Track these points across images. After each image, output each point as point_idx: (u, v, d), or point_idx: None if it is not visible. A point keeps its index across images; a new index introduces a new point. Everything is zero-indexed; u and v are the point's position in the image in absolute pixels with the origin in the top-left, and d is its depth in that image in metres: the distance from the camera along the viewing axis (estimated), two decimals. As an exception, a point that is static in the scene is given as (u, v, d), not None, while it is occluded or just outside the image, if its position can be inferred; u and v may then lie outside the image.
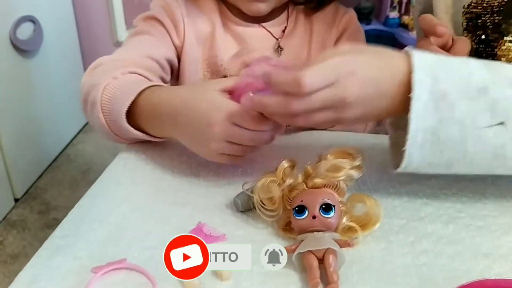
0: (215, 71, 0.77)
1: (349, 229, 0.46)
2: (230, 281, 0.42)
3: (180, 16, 0.75)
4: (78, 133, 2.12)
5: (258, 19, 0.77)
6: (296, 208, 0.45)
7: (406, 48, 0.48)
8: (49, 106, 1.88)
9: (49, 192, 1.78)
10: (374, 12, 1.83)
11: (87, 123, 2.19)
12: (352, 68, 0.46)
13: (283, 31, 0.78)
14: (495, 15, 0.62)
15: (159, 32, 0.74)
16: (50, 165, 1.90)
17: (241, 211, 0.51)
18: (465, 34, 0.65)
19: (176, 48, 0.76)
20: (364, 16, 1.81)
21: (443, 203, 0.54)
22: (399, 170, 0.48)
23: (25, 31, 1.69)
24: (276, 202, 0.48)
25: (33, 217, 1.65)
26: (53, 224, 1.60)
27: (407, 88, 0.45)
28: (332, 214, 0.45)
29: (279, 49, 0.78)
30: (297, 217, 0.45)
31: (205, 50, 0.76)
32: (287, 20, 0.79)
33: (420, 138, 0.46)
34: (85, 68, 2.23)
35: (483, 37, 0.63)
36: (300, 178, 0.48)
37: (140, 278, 0.42)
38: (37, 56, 1.79)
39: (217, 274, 0.42)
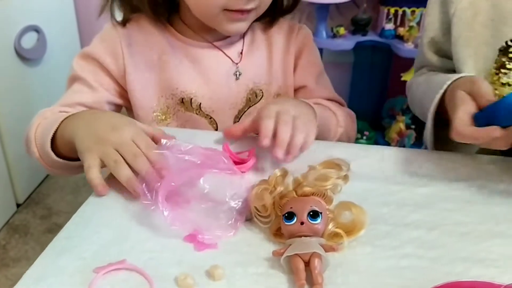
0: (171, 95, 0.78)
1: (335, 235, 0.49)
2: (223, 281, 0.45)
3: (119, 47, 0.76)
4: (80, 139, 2.15)
5: (217, 37, 0.78)
6: (286, 215, 0.48)
7: None
8: (52, 113, 1.91)
9: (51, 198, 1.81)
10: (370, 23, 1.86)
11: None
12: None
13: (241, 53, 0.80)
14: None
15: (92, 75, 0.76)
16: (51, 171, 1.93)
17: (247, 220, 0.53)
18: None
19: (116, 78, 0.77)
20: (360, 27, 1.85)
21: (430, 211, 0.56)
22: None
23: (29, 40, 1.73)
24: (268, 209, 0.51)
25: (35, 221, 1.68)
26: (54, 228, 1.63)
27: None
28: (319, 220, 0.48)
29: (237, 73, 0.80)
30: (286, 223, 0.48)
31: (157, 74, 0.77)
32: (243, 38, 0.81)
33: None
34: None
35: None
36: (290, 186, 0.51)
37: (139, 278, 0.45)
38: (40, 65, 1.82)
39: (210, 274, 0.45)
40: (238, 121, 0.82)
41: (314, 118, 0.66)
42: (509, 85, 0.67)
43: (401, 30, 1.80)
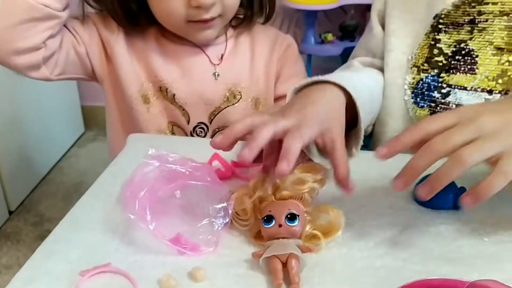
0: (152, 81, 0.81)
1: (313, 236, 0.51)
2: (205, 282, 0.47)
3: (116, 28, 0.79)
4: (72, 146, 2.16)
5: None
6: (265, 218, 0.51)
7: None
8: (43, 120, 1.93)
9: (43, 205, 1.81)
10: (358, 29, 1.89)
11: (80, 137, 2.23)
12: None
13: (221, 57, 0.83)
14: (474, 24, 0.67)
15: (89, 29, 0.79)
16: (44, 178, 1.94)
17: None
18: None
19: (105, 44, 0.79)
20: (348, 33, 1.88)
21: (403, 212, 0.59)
22: None
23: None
24: (248, 213, 0.53)
25: (27, 228, 1.69)
26: (46, 235, 1.61)
27: None
28: (296, 223, 0.50)
29: (216, 73, 0.83)
30: (265, 226, 0.50)
31: (141, 58, 0.80)
32: (226, 42, 0.84)
33: None
34: (78, 82, 2.27)
35: (462, 45, 0.68)
36: (269, 191, 0.53)
37: (123, 280, 0.47)
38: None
39: (192, 276, 0.47)
40: (214, 118, 0.84)
41: None
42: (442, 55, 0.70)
43: (388, 36, 1.83)
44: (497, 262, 0.51)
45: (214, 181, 0.55)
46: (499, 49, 0.66)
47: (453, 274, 0.49)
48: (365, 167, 0.67)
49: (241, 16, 0.85)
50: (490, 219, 0.57)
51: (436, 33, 0.71)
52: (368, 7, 1.92)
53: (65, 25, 0.76)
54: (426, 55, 0.72)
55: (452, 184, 0.59)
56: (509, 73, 0.66)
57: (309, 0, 1.81)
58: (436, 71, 0.71)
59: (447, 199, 0.59)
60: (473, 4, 0.68)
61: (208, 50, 0.83)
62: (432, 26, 0.71)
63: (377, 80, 0.76)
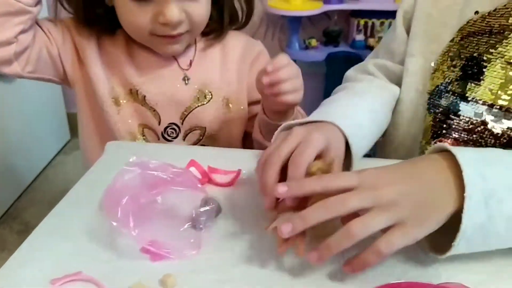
0: (122, 83, 0.81)
1: None
2: (175, 288, 0.48)
3: (89, 33, 0.80)
4: (57, 154, 2.16)
5: None
6: None
7: (438, 146, 0.49)
8: (28, 127, 1.92)
9: (29, 212, 1.81)
10: (342, 35, 1.92)
11: (66, 144, 2.23)
12: (369, 171, 0.48)
13: (190, 63, 0.83)
14: (493, 36, 0.68)
15: (62, 33, 0.79)
16: (29, 185, 1.93)
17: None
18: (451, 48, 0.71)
19: (77, 45, 0.80)
20: (332, 39, 1.90)
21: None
22: (442, 257, 0.49)
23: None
24: None
25: (12, 236, 1.68)
26: (31, 244, 1.62)
27: (457, 186, 0.46)
28: None
29: (186, 78, 0.83)
30: None
31: (109, 61, 0.81)
32: (195, 48, 0.84)
33: (469, 233, 0.46)
34: (63, 90, 2.27)
35: (475, 54, 0.69)
36: None
37: (94, 289, 0.47)
38: (16, 79, 1.83)
39: (163, 283, 0.47)
40: (185, 118, 0.84)
41: None
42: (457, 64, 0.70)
43: (371, 41, 1.86)
44: (466, 264, 0.51)
45: (195, 186, 0.56)
46: (509, 63, 0.66)
47: (421, 277, 0.49)
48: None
49: (211, 27, 0.86)
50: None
51: (459, 41, 0.71)
52: (351, 13, 1.95)
53: (39, 25, 0.77)
54: (447, 62, 0.72)
55: None
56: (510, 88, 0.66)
57: (293, 6, 1.83)
58: (450, 79, 0.71)
59: None
60: (497, 16, 0.68)
61: (178, 56, 0.83)
62: (457, 33, 0.71)
63: (382, 100, 0.75)
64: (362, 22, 1.88)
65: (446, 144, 0.49)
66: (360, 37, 1.88)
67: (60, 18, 0.80)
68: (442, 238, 0.49)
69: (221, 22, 0.84)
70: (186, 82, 0.83)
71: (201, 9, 0.77)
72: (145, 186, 0.52)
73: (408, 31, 0.78)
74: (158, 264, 0.51)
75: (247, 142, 0.92)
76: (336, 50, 1.90)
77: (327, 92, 2.15)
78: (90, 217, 0.57)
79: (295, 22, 1.90)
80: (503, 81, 0.66)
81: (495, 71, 0.67)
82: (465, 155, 0.47)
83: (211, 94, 0.85)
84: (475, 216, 0.46)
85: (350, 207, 0.46)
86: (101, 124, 0.84)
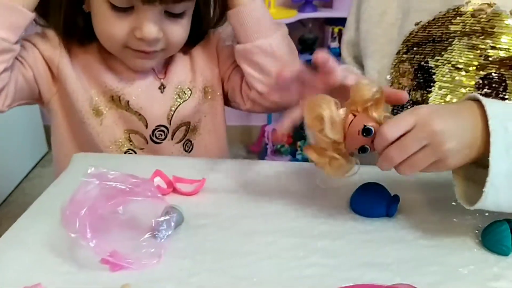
0: (102, 92, 0.80)
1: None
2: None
3: (58, 45, 0.78)
4: (35, 167, 2.13)
5: None
6: (363, 133, 0.53)
7: (473, 95, 0.54)
8: (5, 140, 1.90)
9: (5, 227, 1.77)
10: (317, 42, 1.94)
11: (43, 157, 2.21)
12: (426, 110, 0.52)
13: (165, 72, 0.83)
14: (437, 44, 0.71)
15: (31, 49, 0.77)
16: (5, 199, 1.91)
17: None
18: (400, 59, 0.74)
19: (49, 64, 0.78)
20: (308, 46, 1.93)
21: (338, 221, 0.61)
22: (474, 207, 0.53)
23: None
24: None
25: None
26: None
27: (483, 133, 0.51)
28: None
29: (162, 86, 0.83)
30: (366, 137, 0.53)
31: (87, 69, 0.80)
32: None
33: (496, 181, 0.50)
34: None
35: (422, 63, 0.72)
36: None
37: (52, 300, 0.47)
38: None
39: (122, 291, 0.48)
40: (171, 118, 0.84)
41: None
42: (408, 73, 0.74)
43: (345, 48, 1.89)
44: (421, 267, 0.53)
45: (155, 196, 0.56)
46: (456, 68, 0.70)
47: (377, 279, 0.51)
48: (304, 177, 0.70)
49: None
50: (421, 225, 0.60)
51: (404, 53, 0.75)
52: (325, 21, 1.98)
53: None
54: (399, 74, 0.76)
55: (385, 193, 0.62)
56: (460, 91, 0.69)
57: (268, 15, 1.84)
58: (408, 89, 0.75)
59: (380, 207, 0.61)
60: (437, 24, 0.72)
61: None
62: (401, 45, 0.75)
63: None
64: (336, 29, 1.91)
65: (479, 95, 0.53)
66: (335, 44, 1.90)
67: (24, 36, 0.77)
68: (471, 190, 0.54)
69: (197, 39, 0.85)
70: (162, 90, 0.83)
71: (180, 31, 0.77)
72: (103, 197, 0.53)
73: (356, 58, 0.84)
74: (118, 274, 0.51)
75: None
76: (311, 58, 1.92)
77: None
78: (51, 230, 0.57)
79: (270, 31, 1.92)
80: (452, 85, 0.70)
81: (443, 76, 0.70)
82: (492, 107, 0.52)
83: (190, 90, 0.85)
84: (500, 162, 0.50)
85: (408, 153, 0.51)
86: (80, 138, 0.83)
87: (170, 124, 0.84)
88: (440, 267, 0.52)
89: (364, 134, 0.53)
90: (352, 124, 0.53)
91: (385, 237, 0.58)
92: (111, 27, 0.73)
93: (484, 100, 0.52)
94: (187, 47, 0.85)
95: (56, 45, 0.78)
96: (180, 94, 0.85)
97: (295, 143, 2.06)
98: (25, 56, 0.76)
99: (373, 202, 0.62)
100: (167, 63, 0.85)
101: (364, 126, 0.52)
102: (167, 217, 0.54)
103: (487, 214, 0.60)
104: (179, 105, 0.84)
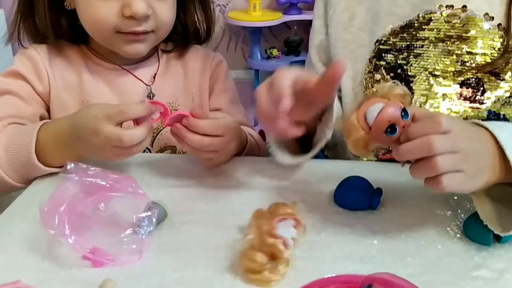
0: (82, 108, 0.77)
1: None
2: (116, 294, 0.47)
3: (43, 66, 0.77)
4: None
5: (127, 61, 0.81)
6: (388, 129, 0.49)
7: (478, 122, 0.54)
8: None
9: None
10: (302, 44, 1.95)
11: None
12: (453, 125, 0.49)
13: (154, 77, 0.83)
14: (410, 50, 0.70)
15: (23, 88, 0.76)
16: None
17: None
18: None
19: (42, 97, 0.78)
20: (293, 48, 1.93)
21: (322, 215, 0.61)
22: (508, 234, 0.52)
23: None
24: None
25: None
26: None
27: (500, 159, 0.51)
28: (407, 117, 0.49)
29: (151, 94, 0.82)
30: (391, 136, 0.49)
31: (75, 97, 0.79)
32: (158, 62, 0.84)
33: None
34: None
35: (398, 71, 0.70)
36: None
37: (32, 297, 0.46)
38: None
39: (102, 288, 0.47)
40: (154, 140, 0.83)
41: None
42: (383, 80, 0.72)
43: (330, 50, 1.89)
44: (403, 258, 0.53)
45: (137, 192, 0.56)
46: (433, 75, 0.69)
47: (361, 271, 0.50)
48: (288, 172, 0.70)
49: (175, 41, 0.86)
50: (403, 217, 0.60)
51: (377, 59, 0.72)
52: (310, 23, 1.99)
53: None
54: (372, 81, 0.73)
55: (368, 186, 0.62)
56: (438, 98, 0.68)
57: (253, 17, 1.85)
58: None
59: (363, 200, 0.61)
60: (410, 30, 0.70)
61: (138, 72, 0.82)
62: (374, 51, 0.73)
63: None
64: (321, 31, 1.92)
65: (486, 122, 0.53)
66: (320, 46, 1.91)
67: (4, 90, 0.76)
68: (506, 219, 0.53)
69: (185, 36, 0.85)
70: (151, 98, 0.82)
71: (168, 9, 0.77)
72: (83, 193, 0.52)
73: (327, 65, 0.79)
74: (99, 271, 0.50)
75: None
76: (297, 59, 1.93)
77: (290, 101, 2.17)
78: (30, 228, 0.57)
79: (256, 33, 1.93)
80: (430, 93, 0.69)
81: (421, 84, 0.69)
82: (503, 135, 0.51)
83: None
84: None
85: (434, 153, 0.47)
86: None
87: (152, 146, 0.83)
88: (423, 259, 0.53)
89: (389, 130, 0.49)
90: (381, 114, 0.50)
91: (369, 230, 0.58)
92: (99, 10, 0.72)
93: (492, 128, 0.52)
94: (180, 49, 0.85)
95: (43, 70, 0.77)
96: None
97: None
98: (24, 113, 0.76)
99: (356, 195, 0.62)
100: (157, 69, 0.84)
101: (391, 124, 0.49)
102: (149, 213, 0.53)
103: (468, 206, 0.60)
104: (164, 128, 0.82)
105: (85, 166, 0.53)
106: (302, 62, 1.93)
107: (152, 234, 0.54)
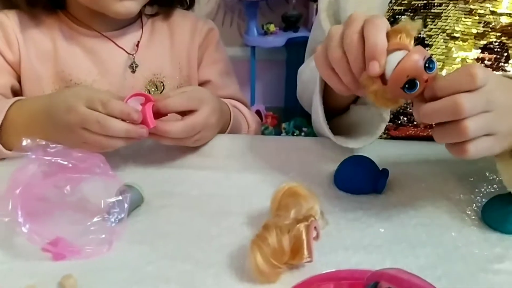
0: (66, 87, 0.73)
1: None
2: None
3: (13, 33, 0.71)
4: None
5: (108, 28, 0.74)
6: (406, 85, 0.41)
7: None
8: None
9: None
10: (301, 20, 1.87)
11: None
12: (488, 77, 0.42)
13: (137, 44, 0.76)
14: (428, 10, 0.63)
15: None
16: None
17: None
18: None
19: (12, 66, 0.72)
20: (291, 23, 1.85)
21: (320, 199, 0.52)
22: None
23: None
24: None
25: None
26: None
27: None
28: (434, 68, 0.41)
29: (133, 65, 0.75)
30: (409, 93, 0.42)
31: (49, 67, 0.73)
32: (142, 28, 0.77)
33: None
34: None
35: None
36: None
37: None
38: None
39: (61, 286, 0.41)
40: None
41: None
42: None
43: (331, 25, 1.81)
44: (413, 248, 0.47)
45: (106, 173, 0.49)
46: (452, 37, 0.63)
47: (364, 263, 0.45)
48: (283, 152, 0.63)
49: (159, 6, 0.79)
50: (413, 201, 0.53)
51: (392, 21, 0.66)
52: (310, -4, 1.90)
53: None
54: None
55: (373, 167, 0.55)
56: (457, 64, 0.62)
57: (249, -10, 1.77)
58: None
59: (367, 182, 0.55)
60: None
61: (120, 40, 0.75)
62: (388, 13, 0.67)
63: None
64: (321, 6, 1.84)
65: None
66: (319, 21, 1.83)
67: None
68: None
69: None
70: (134, 69, 0.75)
71: None
72: (41, 174, 0.45)
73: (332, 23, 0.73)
74: (61, 264, 0.44)
75: None
76: (295, 36, 1.84)
77: (288, 79, 2.10)
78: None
79: (252, 7, 1.85)
80: (447, 58, 0.63)
81: (438, 48, 0.63)
82: None
83: (163, 85, 0.78)
84: None
85: (464, 116, 0.41)
86: None
87: None
88: (435, 248, 0.46)
89: (407, 86, 0.42)
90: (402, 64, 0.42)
91: (373, 216, 0.51)
92: None
93: None
94: (165, 11, 0.79)
95: (14, 38, 0.71)
96: (150, 88, 0.77)
97: (280, 125, 1.99)
98: None
99: (359, 177, 0.55)
100: (140, 35, 0.77)
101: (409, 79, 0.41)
102: (120, 198, 0.46)
103: (487, 187, 0.54)
104: None
105: (44, 142, 0.46)
106: (301, 39, 1.87)
107: (124, 221, 0.48)
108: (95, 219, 0.46)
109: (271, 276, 0.41)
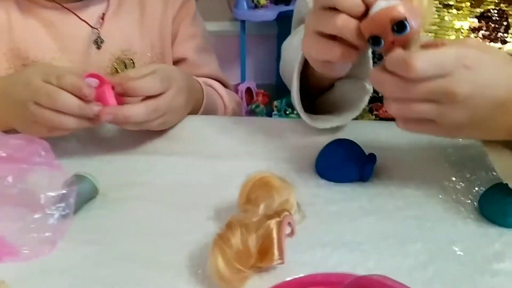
0: (22, 65, 0.67)
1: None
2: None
3: None
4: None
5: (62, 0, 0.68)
6: (370, 40, 0.40)
7: None
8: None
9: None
10: (293, -8, 1.80)
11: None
12: (472, 63, 0.39)
13: (102, 17, 0.69)
14: None
15: None
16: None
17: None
18: None
19: None
20: (283, -3, 1.79)
21: (301, 188, 0.47)
22: None
23: None
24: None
25: None
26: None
27: None
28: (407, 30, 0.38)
29: (98, 40, 0.69)
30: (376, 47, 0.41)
31: (3, 43, 0.66)
32: (108, 0, 0.70)
33: None
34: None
35: None
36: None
37: None
38: None
39: None
40: None
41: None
42: None
43: (324, -2, 1.74)
44: (402, 245, 0.42)
45: (49, 162, 0.43)
46: (446, 5, 0.59)
47: (345, 263, 0.40)
48: (261, 138, 0.58)
49: None
50: (402, 191, 0.49)
51: None
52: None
53: None
54: None
55: (359, 152, 0.50)
56: (450, 34, 0.58)
57: (238, -40, 1.69)
58: None
59: (352, 169, 0.50)
60: None
61: (83, 13, 0.69)
62: None
63: None
64: (314, -23, 1.76)
65: None
66: (312, -6, 1.76)
67: None
68: None
69: None
70: (99, 45, 0.69)
71: None
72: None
73: None
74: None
75: None
76: (287, 9, 1.79)
77: (280, 54, 2.02)
78: None
79: (241, -21, 1.78)
80: (440, 28, 0.59)
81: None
82: None
83: (133, 62, 0.72)
84: None
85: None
86: None
87: None
88: (427, 244, 0.42)
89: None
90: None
91: (357, 207, 0.47)
92: None
93: None
94: None
95: None
96: (118, 67, 0.71)
97: (271, 103, 1.94)
98: None
99: (343, 163, 0.51)
100: (106, 8, 0.70)
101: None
102: (64, 191, 0.41)
103: (485, 175, 0.49)
104: None
105: None
106: (293, 12, 1.79)
107: (71, 217, 0.42)
108: (36, 215, 0.41)
109: (235, 282, 0.36)
